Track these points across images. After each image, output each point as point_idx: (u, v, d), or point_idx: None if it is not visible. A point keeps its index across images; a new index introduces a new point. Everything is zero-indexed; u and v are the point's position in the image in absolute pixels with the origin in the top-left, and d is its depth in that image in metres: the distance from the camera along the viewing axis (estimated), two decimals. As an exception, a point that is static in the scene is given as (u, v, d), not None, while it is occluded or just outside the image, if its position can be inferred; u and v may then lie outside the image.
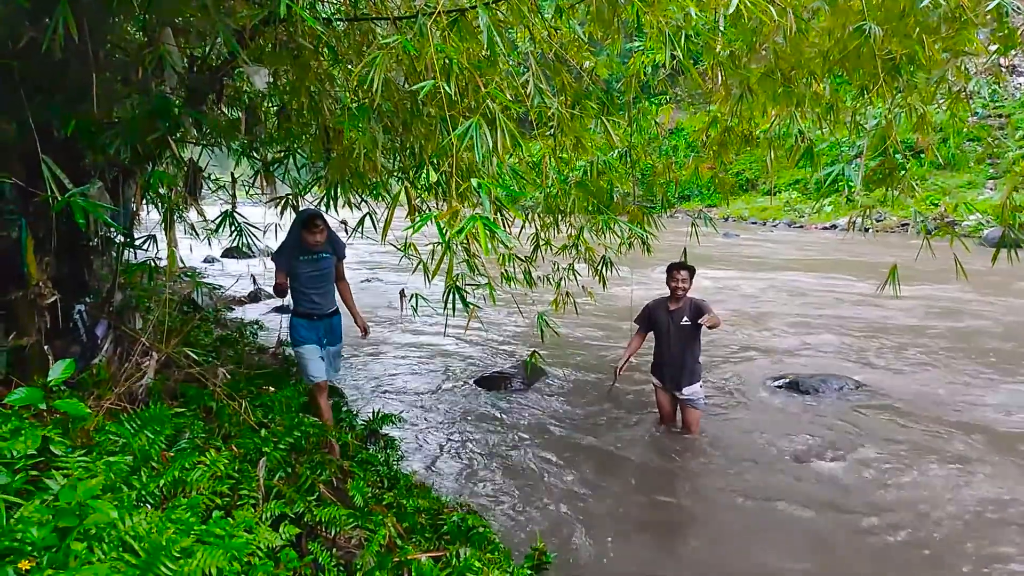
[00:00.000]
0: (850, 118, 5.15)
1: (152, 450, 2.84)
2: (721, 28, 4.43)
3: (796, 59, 4.65)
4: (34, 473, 2.19)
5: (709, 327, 4.99)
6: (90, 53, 3.29)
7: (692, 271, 5.25)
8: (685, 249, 5.34)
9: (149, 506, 2.49)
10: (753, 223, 28.26)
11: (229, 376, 4.29)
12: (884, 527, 4.09)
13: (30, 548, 1.78)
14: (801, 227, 26.06)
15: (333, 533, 2.84)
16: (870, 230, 21.52)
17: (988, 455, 5.07)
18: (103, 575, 1.72)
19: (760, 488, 4.63)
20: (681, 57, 3.38)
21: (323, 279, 4.54)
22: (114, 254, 4.13)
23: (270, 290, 5.12)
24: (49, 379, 2.49)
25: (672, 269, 5.24)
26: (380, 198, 5.00)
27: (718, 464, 4.98)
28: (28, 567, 1.70)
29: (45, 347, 3.44)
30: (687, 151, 28.09)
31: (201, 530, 2.26)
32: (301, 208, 4.96)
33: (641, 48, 5.50)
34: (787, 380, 6.77)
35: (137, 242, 4.22)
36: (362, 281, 12.70)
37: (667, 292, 5.29)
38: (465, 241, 3.81)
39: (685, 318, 5.21)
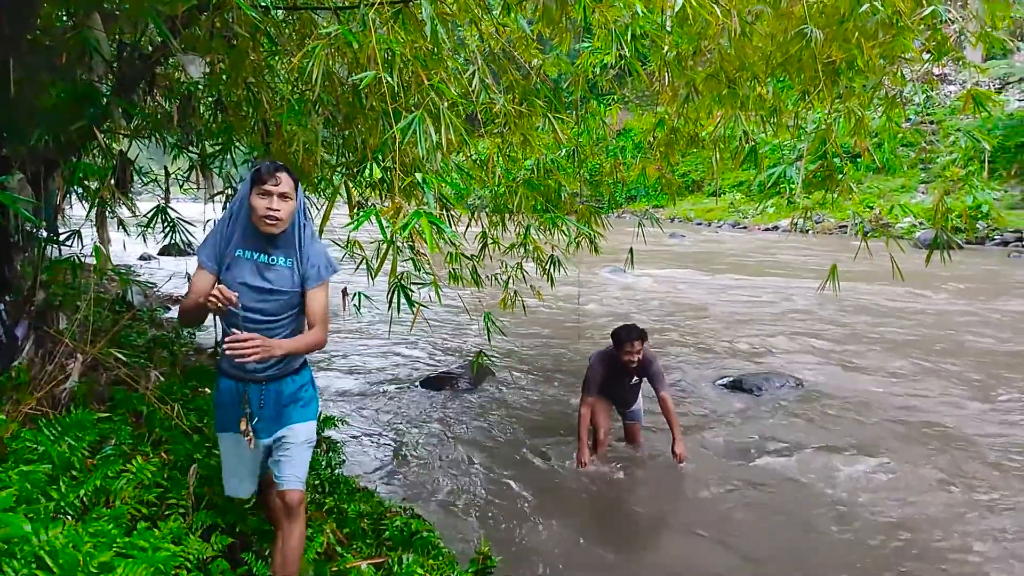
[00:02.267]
0: (792, 121, 5.24)
1: (73, 458, 2.68)
2: (668, 29, 4.47)
3: (740, 62, 4.71)
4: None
5: (680, 451, 4.58)
6: (5, 35, 3.10)
7: (645, 336, 4.69)
8: (632, 250, 5.36)
9: (69, 518, 2.34)
10: (699, 224, 28.80)
11: (162, 378, 4.11)
12: (820, 518, 4.16)
13: (-72, 568, 1.64)
14: (745, 228, 26.66)
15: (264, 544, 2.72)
16: (810, 231, 22.16)
17: (919, 446, 5.23)
18: (10, 595, 1.60)
19: (703, 485, 4.67)
20: (629, 56, 3.37)
21: (269, 310, 2.45)
22: (36, 250, 3.91)
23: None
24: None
25: (623, 341, 4.60)
26: (322, 194, 4.86)
27: (662, 463, 5.01)
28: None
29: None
30: (634, 151, 28.44)
31: (124, 543, 2.14)
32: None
33: (589, 48, 5.50)
34: (731, 379, 6.88)
35: (62, 238, 4.00)
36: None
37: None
38: (410, 238, 3.73)
39: (635, 378, 4.86)
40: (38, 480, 2.39)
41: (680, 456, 4.58)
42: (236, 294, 2.28)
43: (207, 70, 3.81)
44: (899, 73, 4.65)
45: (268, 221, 2.37)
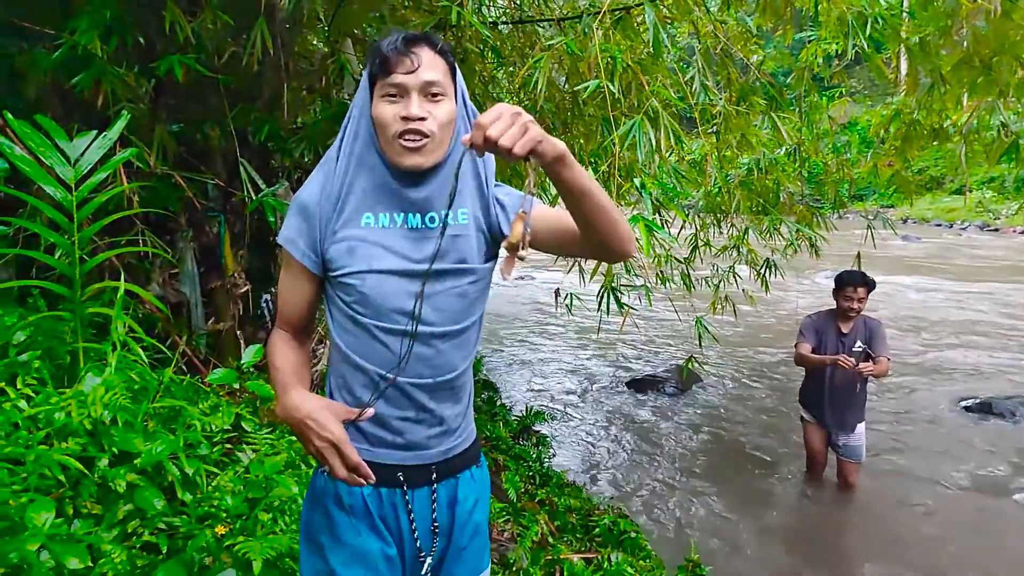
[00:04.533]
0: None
1: (326, 432, 3.05)
2: (907, 12, 4.09)
3: (999, 43, 4.17)
4: (228, 446, 2.43)
5: (875, 376, 4.03)
6: (282, 64, 3.60)
7: (871, 286, 4.20)
8: (859, 254, 4.95)
9: (323, 484, 2.68)
10: (937, 225, 25.75)
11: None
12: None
13: (224, 515, 1.97)
14: (996, 230, 23.37)
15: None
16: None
17: None
18: (285, 545, 1.87)
19: (940, 517, 4.20)
20: (865, 45, 3.14)
21: (449, 312, 1.30)
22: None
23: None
24: (242, 361, 2.76)
25: (845, 284, 4.18)
26: (539, 197, 5.06)
27: (894, 490, 4.57)
28: (223, 532, 1.88)
29: (238, 332, 3.81)
30: (861, 147, 26.11)
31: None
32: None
33: (814, 38, 5.18)
34: (978, 401, 6.10)
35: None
36: (516, 279, 12.96)
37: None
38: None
39: (859, 343, 4.19)
40: (299, 449, 2.75)
41: (860, 369, 3.90)
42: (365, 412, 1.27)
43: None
44: None
45: (409, 141, 1.22)
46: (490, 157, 1.34)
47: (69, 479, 1.74)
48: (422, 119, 1.21)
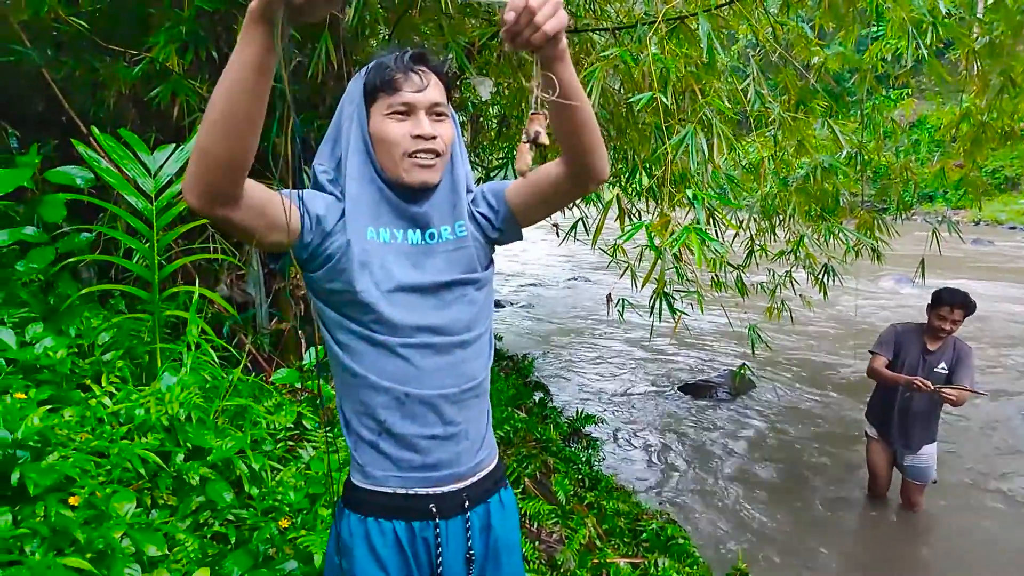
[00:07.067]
0: None
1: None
2: (979, 14, 3.98)
3: (1076, 44, 4.03)
4: (291, 443, 2.55)
5: (952, 404, 3.77)
6: (344, 73, 3.73)
7: (971, 309, 3.93)
8: (923, 260, 4.82)
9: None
10: (1012, 228, 24.58)
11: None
12: None
13: (288, 509, 2.09)
14: (1077, 233, 22.24)
15: (536, 526, 2.97)
16: None
17: None
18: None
19: (1009, 539, 4.07)
20: (925, 53, 3.07)
21: (461, 320, 1.32)
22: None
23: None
24: (304, 362, 2.89)
25: (942, 303, 3.93)
26: (591, 202, 5.10)
27: (960, 509, 4.42)
28: (286, 525, 1.99)
29: (299, 332, 3.96)
30: (930, 146, 25.11)
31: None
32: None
33: (880, 35, 5.06)
34: (1048, 413, 5.88)
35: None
36: (568, 279, 12.97)
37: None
38: (675, 246, 3.77)
39: (943, 364, 3.96)
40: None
41: (939, 389, 3.74)
42: None
43: (494, 90, 4.22)
44: None
45: (423, 159, 1.25)
46: (467, 167, 1.40)
47: (148, 472, 1.87)
48: (434, 137, 1.25)
